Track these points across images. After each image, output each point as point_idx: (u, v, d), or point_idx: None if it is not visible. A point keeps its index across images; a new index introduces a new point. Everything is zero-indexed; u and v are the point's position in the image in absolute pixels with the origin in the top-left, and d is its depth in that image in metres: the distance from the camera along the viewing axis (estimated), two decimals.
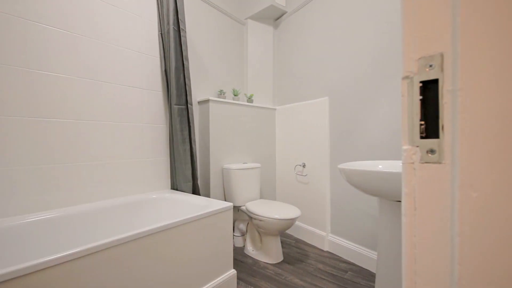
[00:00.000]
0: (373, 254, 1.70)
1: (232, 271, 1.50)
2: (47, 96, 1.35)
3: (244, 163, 2.26)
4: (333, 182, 2.03)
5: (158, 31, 1.86)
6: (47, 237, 1.27)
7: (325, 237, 2.05)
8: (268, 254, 1.87)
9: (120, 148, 1.65)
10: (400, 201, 0.99)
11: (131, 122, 1.71)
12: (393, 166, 1.29)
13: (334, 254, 1.96)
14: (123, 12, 1.67)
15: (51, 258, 0.80)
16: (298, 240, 2.26)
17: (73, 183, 1.44)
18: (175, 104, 1.79)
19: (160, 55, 1.87)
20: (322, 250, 2.04)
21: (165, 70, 1.86)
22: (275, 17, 2.64)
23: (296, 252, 2.02)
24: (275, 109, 2.65)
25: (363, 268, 1.74)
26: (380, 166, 1.29)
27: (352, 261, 1.84)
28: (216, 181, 2.12)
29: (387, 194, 0.98)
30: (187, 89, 1.82)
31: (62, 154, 1.40)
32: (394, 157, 1.57)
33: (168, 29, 1.78)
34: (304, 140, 2.29)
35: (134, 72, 1.72)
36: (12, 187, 1.24)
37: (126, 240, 0.99)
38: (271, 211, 1.82)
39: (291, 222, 1.76)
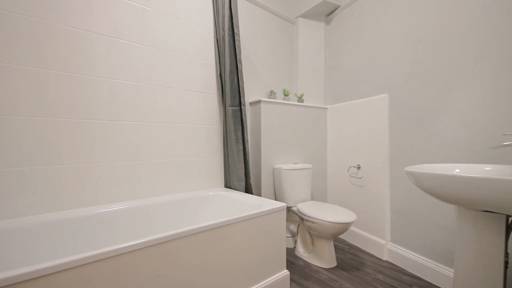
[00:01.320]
0: (444, 270, 1.50)
1: (285, 272, 1.49)
2: (123, 101, 1.55)
3: (295, 163, 2.23)
4: (393, 186, 1.86)
5: (214, 37, 1.96)
6: (117, 226, 1.45)
7: (384, 245, 1.89)
8: (320, 258, 1.81)
9: (178, 148, 1.79)
10: (489, 211, 0.85)
11: (188, 124, 1.84)
12: (473, 170, 1.12)
13: (395, 265, 1.79)
14: (182, 22, 1.81)
15: (126, 245, 0.91)
16: (352, 246, 2.14)
17: (140, 179, 1.62)
18: (229, 106, 1.86)
19: (216, 59, 1.97)
20: (381, 259, 1.88)
21: (220, 74, 1.96)
22: (327, 13, 2.54)
23: (350, 258, 1.91)
24: (326, 108, 2.56)
25: (432, 284, 1.55)
26: (457, 170, 1.13)
27: (417, 274, 1.65)
28: (267, 181, 2.14)
29: (473, 202, 0.85)
30: (240, 91, 1.88)
31: (130, 153, 1.59)
32: (470, 160, 1.37)
33: (223, 35, 1.86)
34: (359, 140, 2.15)
35: (191, 77, 1.85)
36: (86, 181, 1.46)
37: (183, 235, 1.05)
38: (325, 213, 1.76)
39: (346, 226, 1.67)
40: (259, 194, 2.10)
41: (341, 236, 2.30)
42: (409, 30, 1.75)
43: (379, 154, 1.96)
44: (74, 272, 0.81)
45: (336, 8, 2.44)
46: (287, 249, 2.08)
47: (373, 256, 1.95)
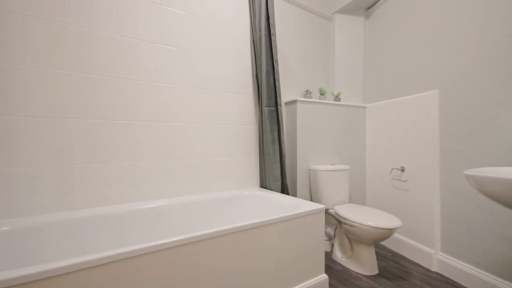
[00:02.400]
0: (508, 286, 1.33)
1: (324, 276, 1.45)
2: (163, 103, 1.64)
3: (331, 164, 2.16)
4: (444, 190, 1.70)
5: (250, 38, 1.98)
6: (157, 221, 1.53)
7: (433, 255, 1.74)
8: (360, 263, 1.73)
9: (214, 148, 1.84)
10: None
11: (225, 124, 1.89)
12: None
13: (446, 277, 1.64)
14: (219, 25, 1.86)
15: (168, 240, 0.96)
16: (395, 254, 2.00)
17: (177, 177, 1.70)
18: (266, 106, 1.87)
19: (252, 60, 1.99)
20: (429, 270, 1.73)
21: (256, 74, 1.97)
22: (367, 6, 2.42)
23: (394, 267, 1.79)
24: (365, 107, 2.43)
25: None
26: None
27: None
28: (303, 182, 2.10)
29: None
30: (276, 91, 1.87)
31: (169, 152, 1.68)
32: None
33: (260, 35, 1.87)
34: (403, 140, 2.01)
35: (227, 78, 1.90)
36: (141, 177, 1.57)
37: (219, 234, 1.07)
38: (365, 217, 1.67)
39: (389, 232, 1.57)
40: (294, 195, 2.07)
41: (383, 242, 2.17)
42: (463, 20, 1.59)
43: (426, 156, 1.81)
44: (131, 261, 0.87)
45: (376, 0, 2.30)
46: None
47: (419, 265, 1.80)
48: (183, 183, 1.72)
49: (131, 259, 0.87)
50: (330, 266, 1.81)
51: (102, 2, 1.44)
